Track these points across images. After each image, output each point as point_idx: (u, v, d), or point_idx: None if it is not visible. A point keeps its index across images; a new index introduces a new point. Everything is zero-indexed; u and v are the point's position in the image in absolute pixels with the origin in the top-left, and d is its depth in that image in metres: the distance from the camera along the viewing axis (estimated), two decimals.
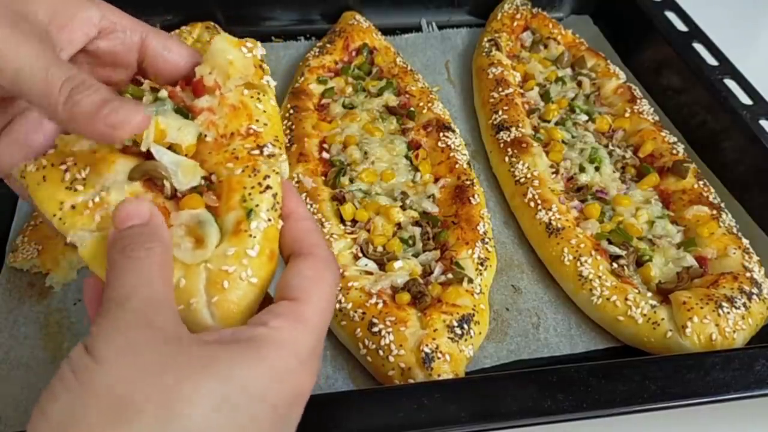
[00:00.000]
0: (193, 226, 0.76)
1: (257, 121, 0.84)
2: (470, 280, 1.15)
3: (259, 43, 0.89)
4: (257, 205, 0.76)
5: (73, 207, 0.77)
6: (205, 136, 0.83)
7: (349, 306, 1.11)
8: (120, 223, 0.70)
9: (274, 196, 0.78)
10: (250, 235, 0.74)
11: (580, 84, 1.58)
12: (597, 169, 1.38)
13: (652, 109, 1.52)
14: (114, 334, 0.59)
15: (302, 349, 0.66)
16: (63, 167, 0.78)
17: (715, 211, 1.27)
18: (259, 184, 0.78)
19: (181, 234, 0.76)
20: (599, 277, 1.17)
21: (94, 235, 0.75)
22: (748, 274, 1.16)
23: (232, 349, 0.61)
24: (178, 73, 0.88)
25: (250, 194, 0.77)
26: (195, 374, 0.58)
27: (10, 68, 0.68)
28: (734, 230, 1.26)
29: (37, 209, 0.80)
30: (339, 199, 1.27)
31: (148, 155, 0.80)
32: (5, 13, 0.70)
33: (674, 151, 1.39)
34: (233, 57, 0.86)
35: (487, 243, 1.23)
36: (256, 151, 0.81)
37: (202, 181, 0.80)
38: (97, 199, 0.78)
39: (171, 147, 0.81)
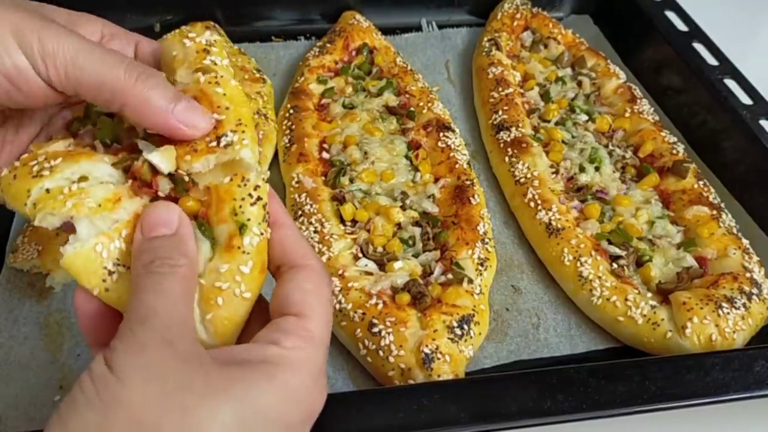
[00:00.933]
0: None
1: (218, 107, 0.81)
2: (470, 281, 1.15)
3: (207, 31, 0.89)
4: (249, 219, 0.75)
5: (47, 191, 0.76)
6: None
7: (349, 306, 1.11)
8: (148, 230, 0.71)
9: (264, 206, 0.77)
10: (244, 252, 0.74)
11: (580, 84, 1.58)
12: (597, 169, 1.38)
13: (652, 109, 1.52)
14: (137, 353, 0.60)
15: (314, 367, 0.68)
16: (33, 163, 0.78)
17: (715, 211, 1.27)
18: (250, 195, 0.77)
19: None
20: (599, 278, 1.17)
21: (83, 247, 0.73)
22: (748, 275, 1.16)
23: (248, 371, 0.63)
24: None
25: (240, 206, 0.76)
26: (213, 397, 0.59)
27: (67, 55, 0.72)
28: (734, 230, 1.26)
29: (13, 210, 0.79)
30: (339, 199, 1.27)
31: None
32: (41, 15, 0.74)
33: (674, 151, 1.39)
34: (175, 51, 0.86)
35: (487, 243, 1.23)
36: (214, 143, 0.79)
37: (186, 178, 0.79)
38: (74, 188, 0.76)
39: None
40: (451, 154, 1.37)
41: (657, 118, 1.49)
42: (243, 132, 0.81)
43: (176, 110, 0.78)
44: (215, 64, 0.85)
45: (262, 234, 0.76)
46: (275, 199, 0.80)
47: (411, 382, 1.03)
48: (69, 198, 0.75)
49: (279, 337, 0.67)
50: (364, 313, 1.09)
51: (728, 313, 1.09)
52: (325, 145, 1.40)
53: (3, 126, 0.85)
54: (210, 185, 0.78)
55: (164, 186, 0.80)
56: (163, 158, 0.79)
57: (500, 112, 1.48)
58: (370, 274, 1.16)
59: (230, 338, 0.73)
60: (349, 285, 1.13)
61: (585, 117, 1.49)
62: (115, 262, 0.73)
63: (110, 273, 0.73)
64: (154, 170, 0.79)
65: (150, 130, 0.81)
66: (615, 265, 1.20)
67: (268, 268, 0.76)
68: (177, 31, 0.88)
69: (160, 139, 0.82)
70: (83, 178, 0.78)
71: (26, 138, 0.87)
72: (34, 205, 0.76)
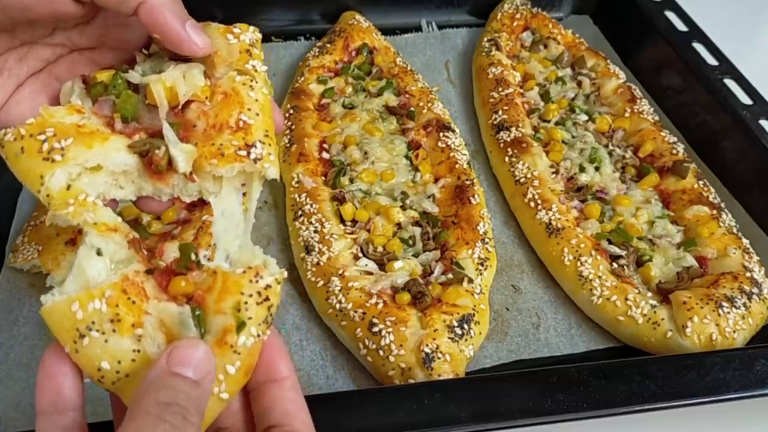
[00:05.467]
0: (170, 323, 0.71)
1: (249, 110, 0.80)
2: (470, 280, 1.15)
3: (250, 28, 0.88)
4: (250, 318, 0.70)
5: (68, 188, 0.74)
6: (194, 125, 0.80)
7: (350, 306, 1.10)
8: (175, 363, 0.65)
9: (269, 308, 0.72)
10: (235, 351, 0.69)
11: (580, 84, 1.58)
12: (597, 169, 1.38)
13: (652, 109, 1.52)
14: None
15: None
16: (41, 137, 0.74)
17: (715, 211, 1.27)
18: (259, 293, 0.72)
19: (156, 327, 0.71)
20: (599, 277, 1.17)
21: (59, 302, 0.69)
22: (748, 274, 1.16)
23: None
24: None
25: (246, 303, 0.71)
26: None
27: None
28: (734, 230, 1.26)
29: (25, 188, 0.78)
30: (339, 199, 1.27)
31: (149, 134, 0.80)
32: None
33: (674, 151, 1.39)
34: (218, 45, 0.85)
35: (487, 243, 1.23)
36: (243, 152, 0.78)
37: (193, 257, 0.77)
38: (89, 199, 0.75)
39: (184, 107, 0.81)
40: (451, 154, 1.37)
41: (657, 118, 1.49)
42: (270, 145, 0.80)
43: (188, 24, 0.80)
44: (255, 69, 0.85)
45: (258, 336, 0.71)
46: None
47: (411, 381, 1.03)
48: (76, 206, 0.73)
49: None
50: (364, 313, 1.09)
51: (728, 313, 1.09)
52: (325, 145, 1.40)
53: (7, 52, 0.82)
54: (217, 271, 0.74)
55: (179, 184, 0.79)
56: (184, 155, 0.77)
57: (500, 112, 1.48)
58: (371, 273, 1.16)
59: None
60: (350, 285, 1.13)
61: (585, 117, 1.49)
62: (89, 325, 0.68)
63: (81, 336, 0.68)
64: (170, 164, 0.78)
65: (157, 36, 0.80)
66: (615, 265, 1.20)
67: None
68: (221, 25, 0.88)
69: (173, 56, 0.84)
70: (97, 168, 0.76)
71: (26, 71, 0.85)
72: (47, 196, 0.74)
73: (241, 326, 0.70)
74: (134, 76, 0.83)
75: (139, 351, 0.69)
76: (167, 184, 0.80)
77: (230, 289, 0.72)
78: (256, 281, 0.72)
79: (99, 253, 0.74)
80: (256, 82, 0.83)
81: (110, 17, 0.85)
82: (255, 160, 0.77)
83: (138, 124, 0.81)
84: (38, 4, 0.75)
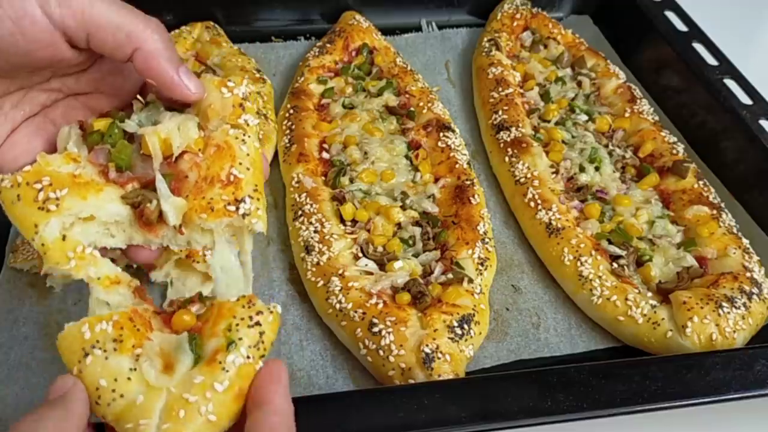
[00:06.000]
0: (168, 349, 0.75)
1: (240, 164, 0.84)
2: (470, 280, 1.15)
3: (244, 81, 0.90)
4: (240, 339, 0.74)
5: (64, 238, 0.78)
6: (186, 177, 0.83)
7: (350, 306, 1.10)
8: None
9: (261, 334, 0.76)
10: (224, 369, 0.72)
11: (580, 84, 1.58)
12: (597, 169, 1.38)
13: (652, 109, 1.52)
14: None
15: None
16: (38, 186, 0.78)
17: (715, 211, 1.27)
18: (250, 317, 0.76)
19: (156, 351, 0.74)
20: (599, 277, 1.17)
21: (72, 327, 0.75)
22: (748, 274, 1.16)
23: None
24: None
25: (237, 325, 0.75)
26: None
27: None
28: (734, 230, 1.26)
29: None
30: (339, 199, 1.27)
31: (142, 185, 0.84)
32: None
33: (674, 151, 1.39)
34: (212, 98, 0.88)
35: (487, 243, 1.23)
36: (232, 207, 0.81)
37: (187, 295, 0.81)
38: (87, 252, 0.79)
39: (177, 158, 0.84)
40: (451, 154, 1.37)
41: (657, 118, 1.49)
42: (258, 200, 0.83)
43: (181, 70, 0.82)
44: (247, 124, 0.88)
45: (249, 359, 0.74)
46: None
47: (411, 381, 1.03)
48: (77, 260, 0.78)
49: None
50: (364, 313, 1.09)
51: (728, 313, 1.09)
52: (325, 145, 1.40)
53: (3, 97, 0.85)
54: (214, 302, 0.79)
55: (168, 235, 0.83)
56: (174, 209, 0.81)
57: (500, 112, 1.48)
58: (371, 273, 1.16)
59: None
60: (350, 285, 1.13)
61: (585, 117, 1.49)
62: (94, 344, 0.73)
63: (86, 355, 0.73)
64: (161, 216, 0.81)
65: (150, 80, 0.83)
66: (615, 265, 1.20)
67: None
68: (216, 78, 0.89)
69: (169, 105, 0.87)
70: (90, 218, 0.80)
71: (21, 115, 0.87)
72: (42, 245, 0.77)
73: (230, 345, 0.73)
74: (130, 125, 0.86)
75: (135, 370, 0.72)
76: (157, 235, 0.84)
77: (224, 315, 0.76)
78: (249, 307, 0.77)
79: (107, 304, 0.79)
80: (249, 136, 0.87)
81: (106, 65, 0.88)
82: (243, 215, 0.81)
83: (132, 173, 0.85)
84: (38, 50, 0.77)
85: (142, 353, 0.73)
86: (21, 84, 0.85)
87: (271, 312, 0.77)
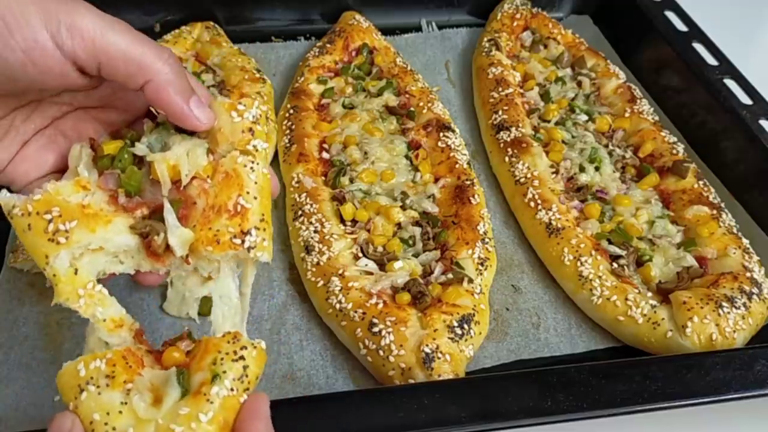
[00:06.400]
0: (158, 384, 0.78)
1: (248, 193, 0.86)
2: (470, 280, 1.15)
3: (255, 103, 0.92)
4: (224, 372, 0.77)
5: (75, 272, 0.81)
6: (195, 203, 0.86)
7: (350, 306, 1.10)
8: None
9: (245, 368, 0.79)
10: (208, 400, 0.75)
11: (580, 84, 1.58)
12: (597, 169, 1.38)
13: (652, 109, 1.52)
14: None
15: None
16: (47, 216, 0.79)
17: (715, 211, 1.27)
18: (234, 352, 0.79)
19: (146, 386, 0.78)
20: (599, 277, 1.17)
21: (68, 365, 0.78)
22: (748, 274, 1.16)
23: None
24: None
25: (222, 359, 0.78)
26: None
27: (96, 28, 0.76)
28: (734, 230, 1.26)
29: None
30: (339, 199, 1.27)
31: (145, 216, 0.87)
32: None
33: (674, 151, 1.39)
34: (222, 122, 0.89)
35: (487, 243, 1.23)
36: (238, 240, 0.84)
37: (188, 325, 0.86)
38: (96, 289, 0.83)
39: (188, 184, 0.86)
40: (451, 154, 1.37)
41: (657, 118, 1.49)
42: (264, 230, 0.86)
43: (192, 101, 0.83)
44: (256, 149, 0.89)
45: (233, 391, 0.77)
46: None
47: (411, 381, 1.03)
48: (86, 298, 0.82)
49: None
50: (364, 313, 1.09)
51: (728, 313, 1.09)
52: (325, 145, 1.40)
53: (14, 111, 0.86)
54: (202, 338, 0.82)
55: (175, 263, 0.86)
56: (181, 241, 0.84)
57: (500, 112, 1.48)
58: (371, 273, 1.16)
59: None
60: (350, 285, 1.13)
61: (585, 117, 1.49)
62: (88, 380, 0.76)
63: (81, 391, 0.76)
64: (168, 246, 0.84)
65: (160, 110, 0.85)
66: (615, 265, 1.20)
67: None
68: (227, 101, 0.91)
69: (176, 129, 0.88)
70: (99, 249, 0.83)
71: (32, 129, 0.88)
72: (54, 276, 0.80)
73: (215, 378, 0.76)
74: (141, 149, 0.88)
75: (126, 404, 0.75)
76: (164, 264, 0.87)
77: (210, 350, 0.79)
78: (234, 342, 0.80)
79: (106, 343, 0.83)
80: (257, 163, 0.89)
81: (117, 83, 0.89)
82: (249, 249, 0.84)
83: (141, 198, 0.86)
84: (49, 79, 0.79)
85: (132, 388, 0.76)
86: (31, 98, 0.86)
87: (255, 347, 0.81)
